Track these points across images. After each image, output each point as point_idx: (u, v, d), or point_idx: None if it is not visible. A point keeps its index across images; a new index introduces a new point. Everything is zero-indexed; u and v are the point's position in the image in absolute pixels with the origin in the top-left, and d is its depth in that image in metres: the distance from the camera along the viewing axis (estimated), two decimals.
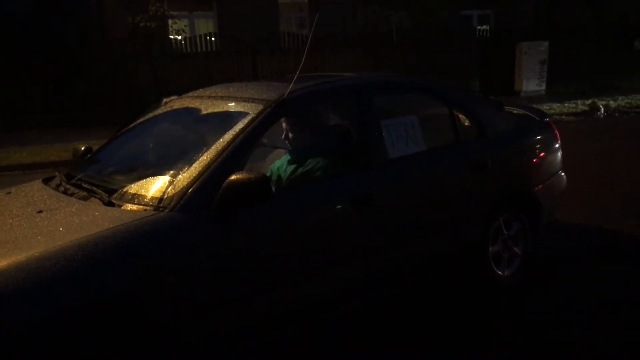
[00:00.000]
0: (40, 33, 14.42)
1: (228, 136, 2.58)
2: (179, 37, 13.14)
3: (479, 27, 16.06)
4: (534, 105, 4.90)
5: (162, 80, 11.55)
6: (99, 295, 2.04)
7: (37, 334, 1.91)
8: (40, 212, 2.45)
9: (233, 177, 2.33)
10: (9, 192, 2.90)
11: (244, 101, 2.87)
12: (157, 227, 2.26)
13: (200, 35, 12.88)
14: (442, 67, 13.41)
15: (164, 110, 3.32)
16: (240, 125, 2.63)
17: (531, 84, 14.25)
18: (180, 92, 4.10)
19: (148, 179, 2.57)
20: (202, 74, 11.78)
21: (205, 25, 14.49)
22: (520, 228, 3.71)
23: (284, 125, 3.07)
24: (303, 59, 2.94)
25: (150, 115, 3.35)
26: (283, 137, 3.10)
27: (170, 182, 2.46)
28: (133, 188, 2.53)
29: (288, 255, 2.61)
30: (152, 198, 2.42)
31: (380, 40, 13.93)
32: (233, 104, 2.94)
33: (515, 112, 4.12)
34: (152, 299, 2.16)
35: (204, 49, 12.66)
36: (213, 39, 12.97)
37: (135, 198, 2.45)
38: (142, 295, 2.14)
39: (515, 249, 3.70)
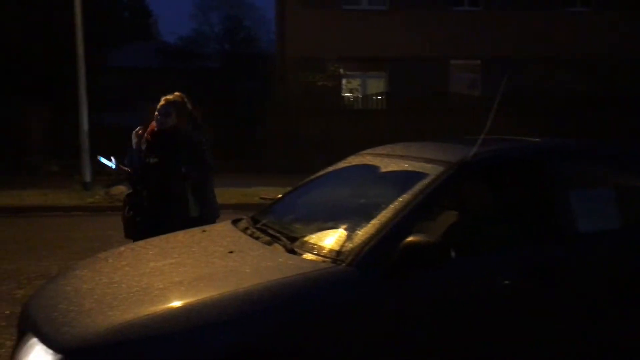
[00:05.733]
0: (229, 87, 16.11)
1: (407, 196, 2.59)
2: (350, 95, 13.81)
3: None
4: None
5: (334, 135, 12.15)
6: (273, 339, 2.15)
7: None
8: (231, 252, 2.66)
9: (412, 238, 2.32)
10: (204, 231, 3.21)
11: (424, 162, 2.87)
12: (335, 279, 2.32)
13: (371, 95, 13.42)
14: (617, 135, 12.24)
15: (344, 166, 3.46)
16: (419, 187, 2.62)
17: None
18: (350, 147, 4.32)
19: (327, 231, 2.67)
20: (371, 131, 12.15)
21: (377, 85, 15.06)
22: None
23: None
24: (489, 121, 2.86)
25: (330, 169, 3.52)
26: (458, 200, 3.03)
27: (348, 237, 2.53)
28: (313, 238, 2.64)
29: (457, 327, 2.48)
30: (331, 250, 2.50)
31: (551, 103, 13.28)
32: (412, 163, 2.95)
33: None
34: (316, 350, 2.19)
35: (374, 106, 13.14)
36: (383, 97, 13.41)
37: (314, 248, 2.55)
38: (309, 345, 2.19)
39: None
